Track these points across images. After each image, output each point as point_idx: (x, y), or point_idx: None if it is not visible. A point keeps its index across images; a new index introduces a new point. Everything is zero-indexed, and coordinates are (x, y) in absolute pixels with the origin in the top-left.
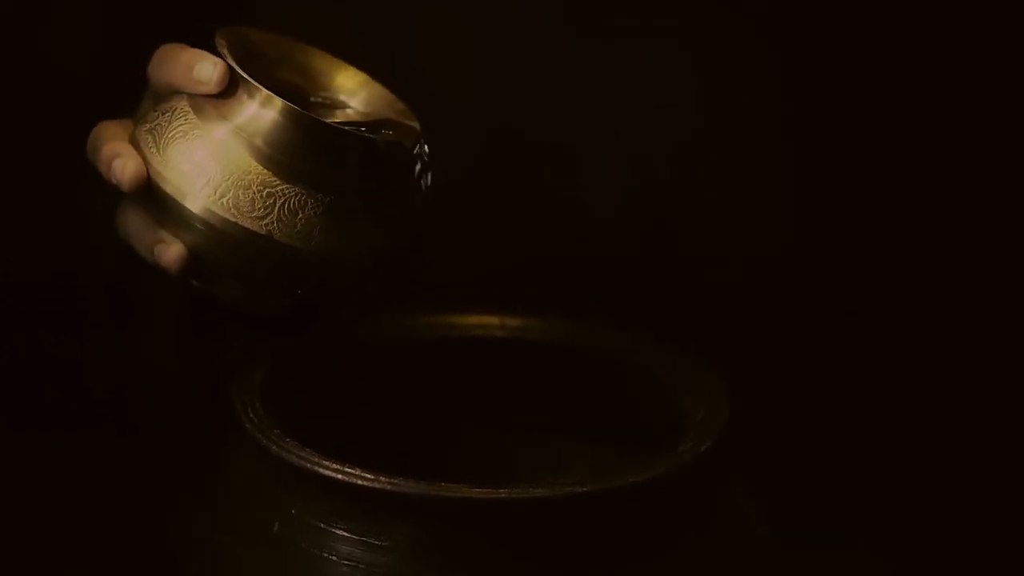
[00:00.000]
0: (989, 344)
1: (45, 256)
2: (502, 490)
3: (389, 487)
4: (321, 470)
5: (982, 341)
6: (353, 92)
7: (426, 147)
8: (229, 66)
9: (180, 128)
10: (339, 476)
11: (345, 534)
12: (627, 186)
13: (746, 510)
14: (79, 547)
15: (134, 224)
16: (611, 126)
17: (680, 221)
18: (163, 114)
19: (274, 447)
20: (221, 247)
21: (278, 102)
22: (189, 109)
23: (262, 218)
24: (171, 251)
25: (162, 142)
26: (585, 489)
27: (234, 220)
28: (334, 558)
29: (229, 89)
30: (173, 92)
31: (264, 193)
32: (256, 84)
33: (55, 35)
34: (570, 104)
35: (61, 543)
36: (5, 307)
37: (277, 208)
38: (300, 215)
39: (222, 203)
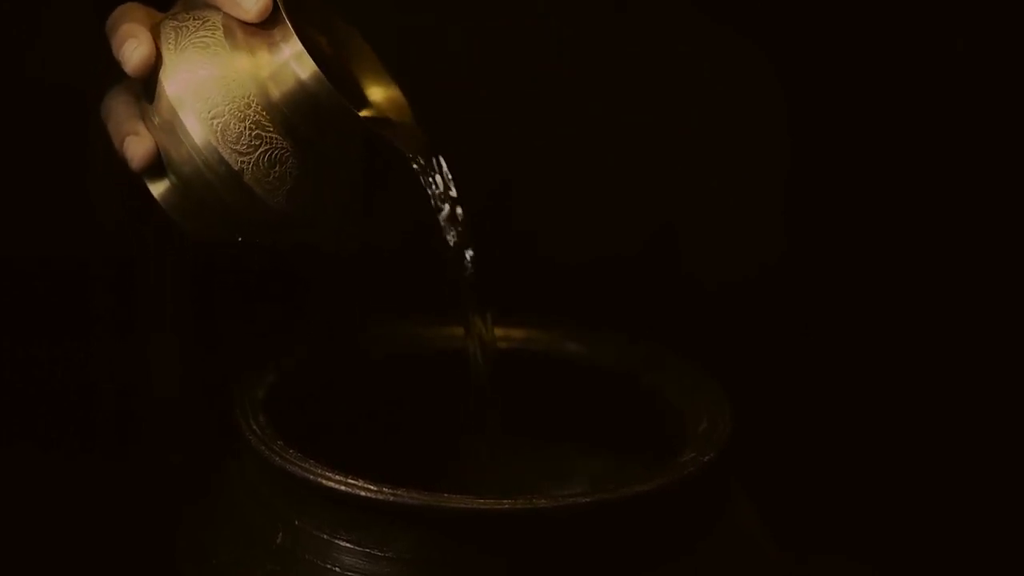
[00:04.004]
0: (990, 351)
1: (48, 263)
2: (505, 501)
3: (392, 498)
4: (324, 481)
5: (983, 349)
6: (373, 86)
7: (434, 170)
8: (275, 3)
9: (204, 39)
10: (342, 487)
11: (348, 545)
12: (628, 195)
13: (749, 520)
14: (80, 559)
15: (118, 109)
16: (611, 133)
17: (682, 229)
18: (194, 19)
19: (277, 458)
20: (190, 163)
21: (308, 62)
22: (220, 26)
23: (241, 154)
24: (142, 146)
25: (182, 43)
26: (588, 500)
27: (215, 145)
28: (337, 569)
29: (265, 24)
30: (211, 4)
31: (254, 133)
32: (294, 34)
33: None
34: (570, 110)
35: (61, 556)
36: (6, 314)
37: (259, 152)
38: (277, 168)
39: (211, 124)
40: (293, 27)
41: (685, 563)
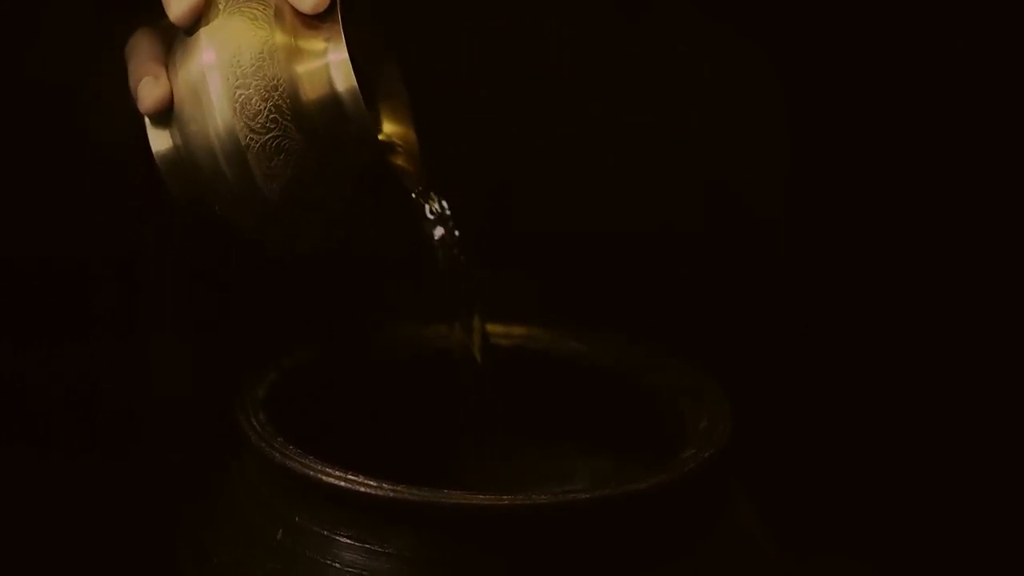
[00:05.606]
0: (989, 351)
1: (48, 263)
2: (505, 497)
3: (392, 494)
4: (324, 478)
5: (982, 348)
6: (391, 113)
7: (431, 207)
8: (333, 4)
9: (254, 11)
10: (342, 484)
11: (348, 541)
12: (627, 195)
13: (749, 520)
14: (80, 559)
15: (143, 47)
16: (611, 133)
17: (682, 229)
18: None
19: (277, 455)
20: (200, 123)
21: (348, 72)
22: (272, 5)
23: (253, 131)
24: (157, 89)
25: (231, 8)
26: (587, 496)
27: (231, 114)
28: (337, 565)
29: (317, 18)
30: None
31: (271, 117)
32: (343, 40)
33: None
34: (570, 110)
35: (61, 556)
36: (6, 314)
37: (269, 136)
38: (281, 157)
39: (235, 94)
40: (344, 33)
41: (685, 563)
